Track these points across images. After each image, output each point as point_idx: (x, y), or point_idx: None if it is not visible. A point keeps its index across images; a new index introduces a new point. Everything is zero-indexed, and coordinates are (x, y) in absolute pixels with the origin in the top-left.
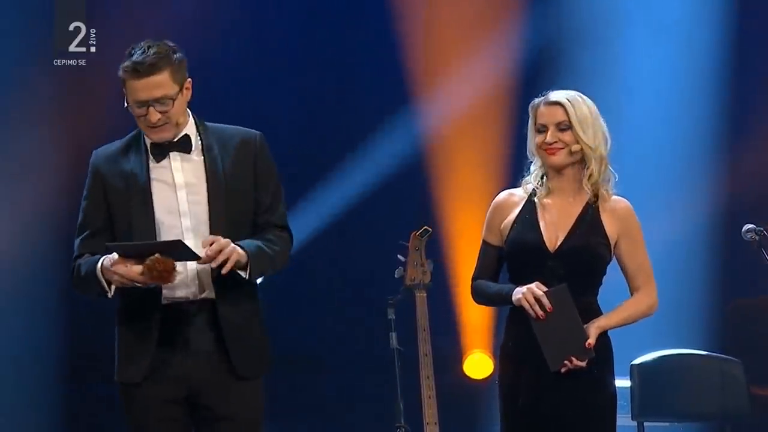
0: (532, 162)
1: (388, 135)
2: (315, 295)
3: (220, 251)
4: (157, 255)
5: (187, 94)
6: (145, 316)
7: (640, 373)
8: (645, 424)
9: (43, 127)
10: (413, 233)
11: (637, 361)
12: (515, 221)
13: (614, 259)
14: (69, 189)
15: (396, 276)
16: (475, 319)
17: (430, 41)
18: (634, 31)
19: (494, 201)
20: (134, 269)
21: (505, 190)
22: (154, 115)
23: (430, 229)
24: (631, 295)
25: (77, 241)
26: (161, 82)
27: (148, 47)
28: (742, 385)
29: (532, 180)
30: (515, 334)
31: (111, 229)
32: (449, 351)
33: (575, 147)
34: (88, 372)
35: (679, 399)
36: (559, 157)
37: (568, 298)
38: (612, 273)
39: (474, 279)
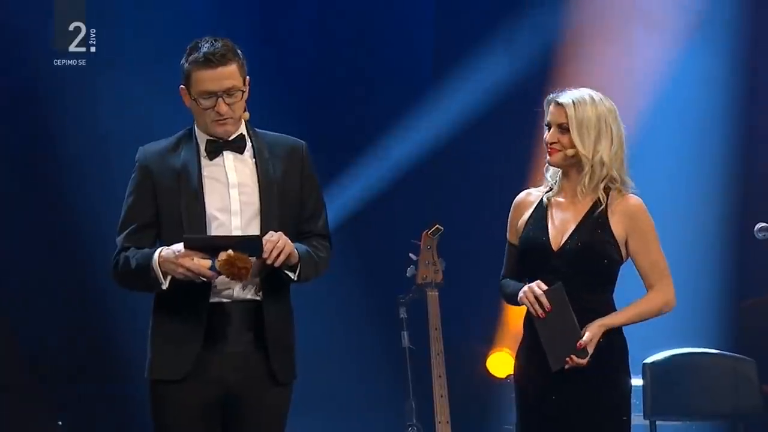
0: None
1: (402, 133)
2: (326, 292)
3: (278, 241)
4: (231, 251)
5: (246, 92)
6: (192, 313)
7: (652, 372)
8: (657, 422)
9: (43, 128)
10: (425, 232)
11: (650, 359)
12: (528, 220)
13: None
14: (71, 189)
15: (408, 275)
16: (505, 317)
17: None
18: (648, 30)
19: (515, 200)
20: (203, 263)
21: (525, 189)
22: (223, 107)
23: (441, 228)
24: (647, 292)
25: (121, 236)
26: (232, 73)
27: (215, 40)
28: (755, 384)
29: (548, 176)
30: (528, 334)
31: (158, 225)
32: (467, 349)
33: (570, 151)
34: (96, 371)
35: (692, 398)
36: (556, 158)
37: (564, 297)
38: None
39: (501, 278)
